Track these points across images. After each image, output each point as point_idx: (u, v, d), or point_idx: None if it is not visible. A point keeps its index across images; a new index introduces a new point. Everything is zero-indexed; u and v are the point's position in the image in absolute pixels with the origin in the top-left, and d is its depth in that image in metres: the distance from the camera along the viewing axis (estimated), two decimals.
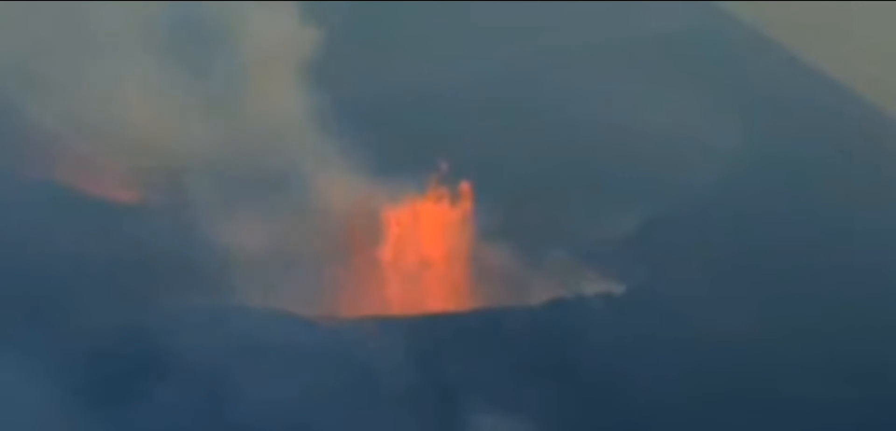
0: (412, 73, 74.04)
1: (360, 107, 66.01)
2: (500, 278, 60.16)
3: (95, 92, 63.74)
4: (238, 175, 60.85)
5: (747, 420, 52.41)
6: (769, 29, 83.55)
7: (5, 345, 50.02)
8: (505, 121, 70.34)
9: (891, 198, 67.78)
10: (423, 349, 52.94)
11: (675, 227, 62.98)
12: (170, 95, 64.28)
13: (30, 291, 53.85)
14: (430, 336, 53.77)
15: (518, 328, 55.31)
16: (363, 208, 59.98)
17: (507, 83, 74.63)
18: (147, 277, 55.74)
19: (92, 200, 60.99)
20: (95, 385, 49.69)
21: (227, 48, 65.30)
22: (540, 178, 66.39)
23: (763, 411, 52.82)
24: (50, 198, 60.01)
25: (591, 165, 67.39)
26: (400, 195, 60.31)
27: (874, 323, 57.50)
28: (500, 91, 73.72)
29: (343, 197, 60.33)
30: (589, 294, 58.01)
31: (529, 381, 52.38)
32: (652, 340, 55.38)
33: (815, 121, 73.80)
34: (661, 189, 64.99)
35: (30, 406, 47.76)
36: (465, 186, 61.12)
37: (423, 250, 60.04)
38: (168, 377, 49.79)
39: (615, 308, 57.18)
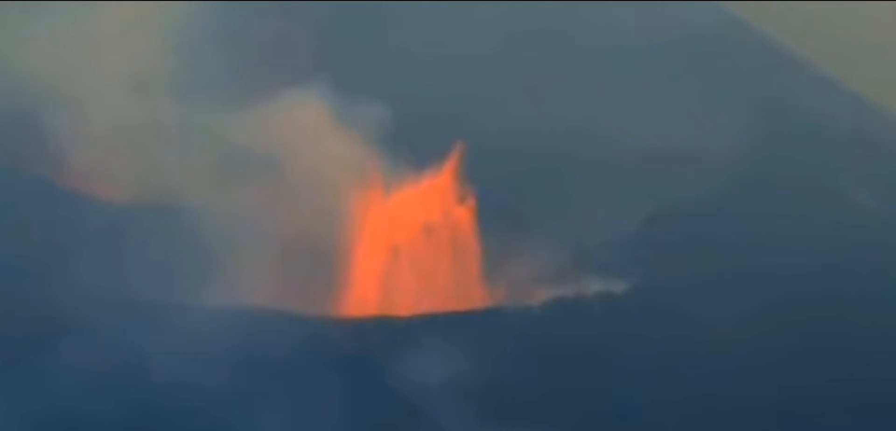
0: (408, 73, 73.95)
1: (354, 103, 65.85)
2: (500, 278, 60.22)
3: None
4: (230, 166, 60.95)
5: (747, 419, 52.45)
6: (770, 29, 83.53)
7: None
8: (503, 121, 70.32)
9: (891, 199, 67.79)
10: (420, 348, 52.97)
11: (675, 227, 63.04)
12: (162, 88, 64.49)
13: None
14: (428, 335, 53.81)
15: (518, 328, 55.39)
16: (358, 204, 60.07)
17: (507, 83, 74.63)
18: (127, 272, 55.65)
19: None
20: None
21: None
22: (539, 178, 66.45)
23: (763, 410, 52.85)
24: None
25: (592, 165, 67.39)
26: (395, 190, 60.39)
27: (874, 325, 57.50)
28: (499, 91, 73.69)
29: (339, 192, 60.36)
30: (589, 294, 58.09)
31: (529, 381, 52.46)
32: (652, 340, 55.41)
33: (815, 121, 73.83)
34: (661, 189, 65.02)
35: None
36: (464, 186, 61.25)
37: (420, 249, 60.08)
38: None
39: (615, 308, 57.23)
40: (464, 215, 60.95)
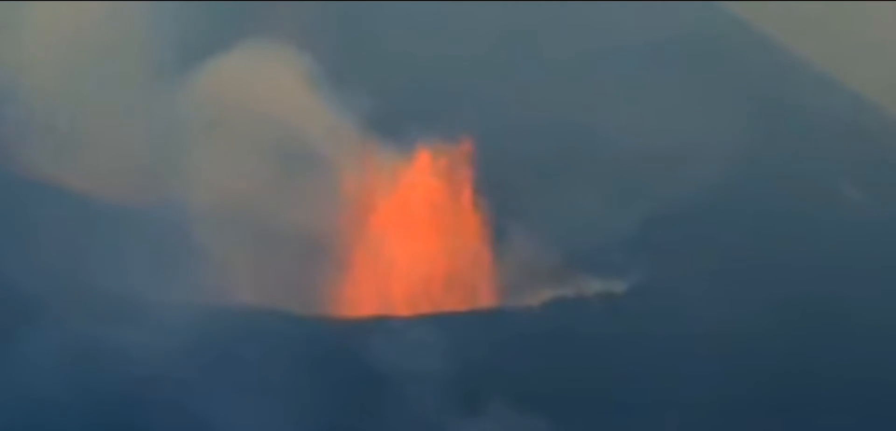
0: (405, 70, 73.88)
1: (350, 96, 65.80)
2: (500, 278, 60.18)
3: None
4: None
5: (746, 418, 52.43)
6: (769, 29, 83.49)
7: None
8: (502, 120, 70.25)
9: (891, 199, 67.77)
10: (420, 348, 52.92)
11: (675, 227, 62.99)
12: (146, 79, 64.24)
13: None
14: (428, 335, 53.76)
15: (518, 328, 55.35)
16: (356, 202, 59.98)
17: (506, 83, 74.55)
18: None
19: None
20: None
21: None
22: (539, 178, 66.39)
23: (763, 410, 52.83)
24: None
25: (591, 165, 67.36)
26: (394, 182, 60.35)
27: (874, 324, 57.49)
28: (497, 90, 73.63)
29: (336, 188, 60.20)
30: (589, 294, 58.05)
31: (529, 381, 52.42)
32: (652, 340, 55.40)
33: (815, 121, 73.80)
34: (661, 189, 64.99)
35: None
36: (466, 187, 61.22)
37: (419, 249, 60.02)
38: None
39: (615, 308, 57.20)
40: (468, 209, 60.96)
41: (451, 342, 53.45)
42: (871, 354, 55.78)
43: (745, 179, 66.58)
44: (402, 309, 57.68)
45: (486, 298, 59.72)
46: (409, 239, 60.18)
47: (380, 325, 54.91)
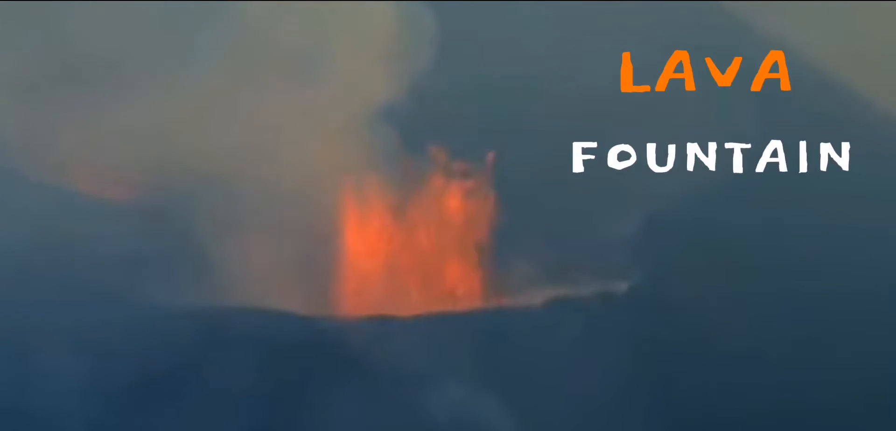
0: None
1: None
2: (501, 277, 60.23)
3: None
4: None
5: (747, 419, 52.48)
6: (770, 29, 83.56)
7: None
8: (504, 122, 70.37)
9: (892, 197, 67.81)
10: (421, 348, 52.99)
11: (675, 227, 63.03)
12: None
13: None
14: (428, 335, 53.83)
15: (517, 328, 55.40)
16: (356, 204, 60.04)
17: (510, 84, 74.66)
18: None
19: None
20: None
21: None
22: (540, 178, 66.47)
23: (763, 411, 52.88)
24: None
25: (592, 165, 67.44)
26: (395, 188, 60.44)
27: (875, 324, 57.52)
28: (501, 92, 73.73)
29: (338, 191, 60.20)
30: (589, 294, 58.09)
31: (528, 380, 52.48)
32: (652, 340, 55.44)
33: (815, 120, 73.86)
34: (662, 189, 65.04)
35: None
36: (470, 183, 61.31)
37: (421, 249, 60.09)
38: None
39: (615, 308, 57.24)
40: (475, 214, 61.08)
41: (450, 342, 53.53)
42: (875, 355, 55.84)
43: (745, 179, 66.64)
44: (401, 309, 57.72)
45: (486, 298, 59.77)
46: (409, 239, 60.25)
47: (380, 325, 54.96)
